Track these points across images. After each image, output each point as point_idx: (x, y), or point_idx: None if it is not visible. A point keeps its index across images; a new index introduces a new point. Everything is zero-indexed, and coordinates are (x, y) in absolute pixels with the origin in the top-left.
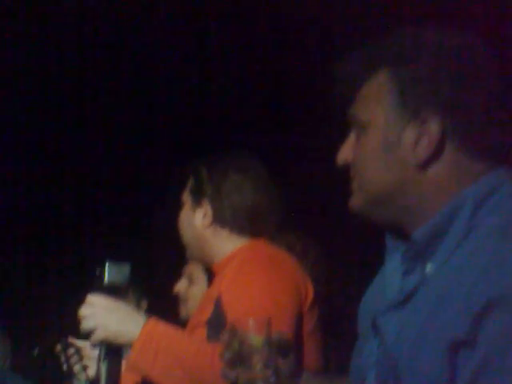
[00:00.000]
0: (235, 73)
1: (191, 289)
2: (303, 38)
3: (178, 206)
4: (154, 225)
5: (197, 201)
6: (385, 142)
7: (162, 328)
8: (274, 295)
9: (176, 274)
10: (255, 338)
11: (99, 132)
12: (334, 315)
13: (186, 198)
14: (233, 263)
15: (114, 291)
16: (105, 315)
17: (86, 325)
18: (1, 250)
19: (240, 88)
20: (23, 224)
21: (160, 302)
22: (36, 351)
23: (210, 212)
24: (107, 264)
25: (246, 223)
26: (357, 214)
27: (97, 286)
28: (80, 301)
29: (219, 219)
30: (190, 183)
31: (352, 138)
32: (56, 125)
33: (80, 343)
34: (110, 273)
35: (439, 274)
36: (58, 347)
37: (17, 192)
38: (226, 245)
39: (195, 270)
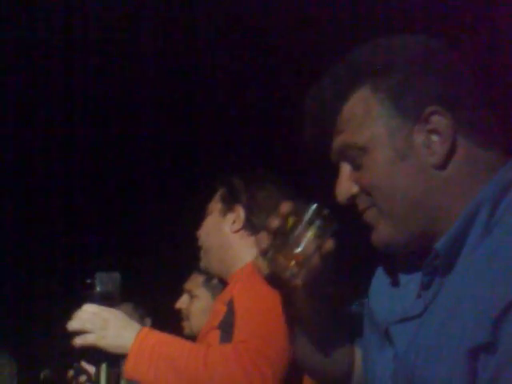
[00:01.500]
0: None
1: (193, 305)
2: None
3: (182, 223)
4: (158, 243)
5: (229, 206)
6: (396, 152)
7: (155, 334)
8: None
9: (178, 291)
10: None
11: (87, 145)
12: None
13: (215, 206)
14: (246, 271)
15: (106, 299)
16: (102, 324)
17: (77, 324)
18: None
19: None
20: (22, 240)
21: (164, 319)
22: (42, 375)
23: (242, 217)
24: (97, 274)
25: None
26: (386, 247)
27: (89, 295)
28: None
29: (250, 225)
30: (221, 192)
31: (346, 169)
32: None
33: (91, 368)
34: (101, 281)
35: (456, 278)
36: (70, 373)
37: (3, 208)
38: (249, 252)
39: (195, 286)
